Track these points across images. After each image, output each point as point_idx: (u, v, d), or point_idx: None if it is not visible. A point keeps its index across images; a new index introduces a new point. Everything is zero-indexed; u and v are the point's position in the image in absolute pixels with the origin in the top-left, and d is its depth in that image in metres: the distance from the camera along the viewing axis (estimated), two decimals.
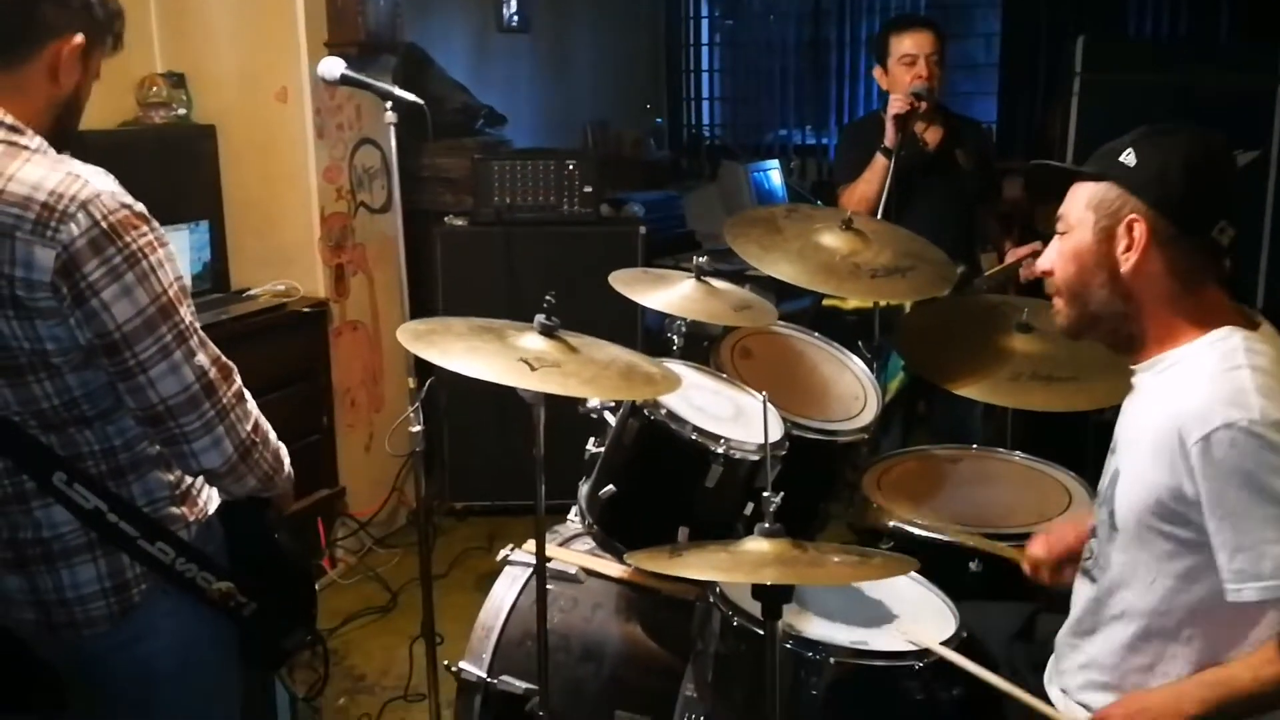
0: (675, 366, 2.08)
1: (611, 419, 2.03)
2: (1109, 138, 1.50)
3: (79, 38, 1.34)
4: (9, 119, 1.31)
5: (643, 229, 3.84)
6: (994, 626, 1.76)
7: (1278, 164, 3.78)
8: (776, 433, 1.94)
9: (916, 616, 1.73)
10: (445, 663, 2.17)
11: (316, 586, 1.70)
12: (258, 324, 3.13)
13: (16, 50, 1.31)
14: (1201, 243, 1.42)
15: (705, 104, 6.62)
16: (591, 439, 2.09)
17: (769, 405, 1.59)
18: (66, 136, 1.39)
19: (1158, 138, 1.44)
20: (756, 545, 1.41)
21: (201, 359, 1.36)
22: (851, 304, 3.03)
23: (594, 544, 2.13)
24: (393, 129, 2.29)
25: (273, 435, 1.48)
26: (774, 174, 5.30)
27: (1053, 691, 1.59)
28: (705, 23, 6.55)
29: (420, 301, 3.13)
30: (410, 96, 2.30)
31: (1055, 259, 1.51)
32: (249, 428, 1.41)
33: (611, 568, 2.11)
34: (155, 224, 1.34)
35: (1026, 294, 2.74)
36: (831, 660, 1.60)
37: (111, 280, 1.27)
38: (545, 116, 5.29)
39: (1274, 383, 1.35)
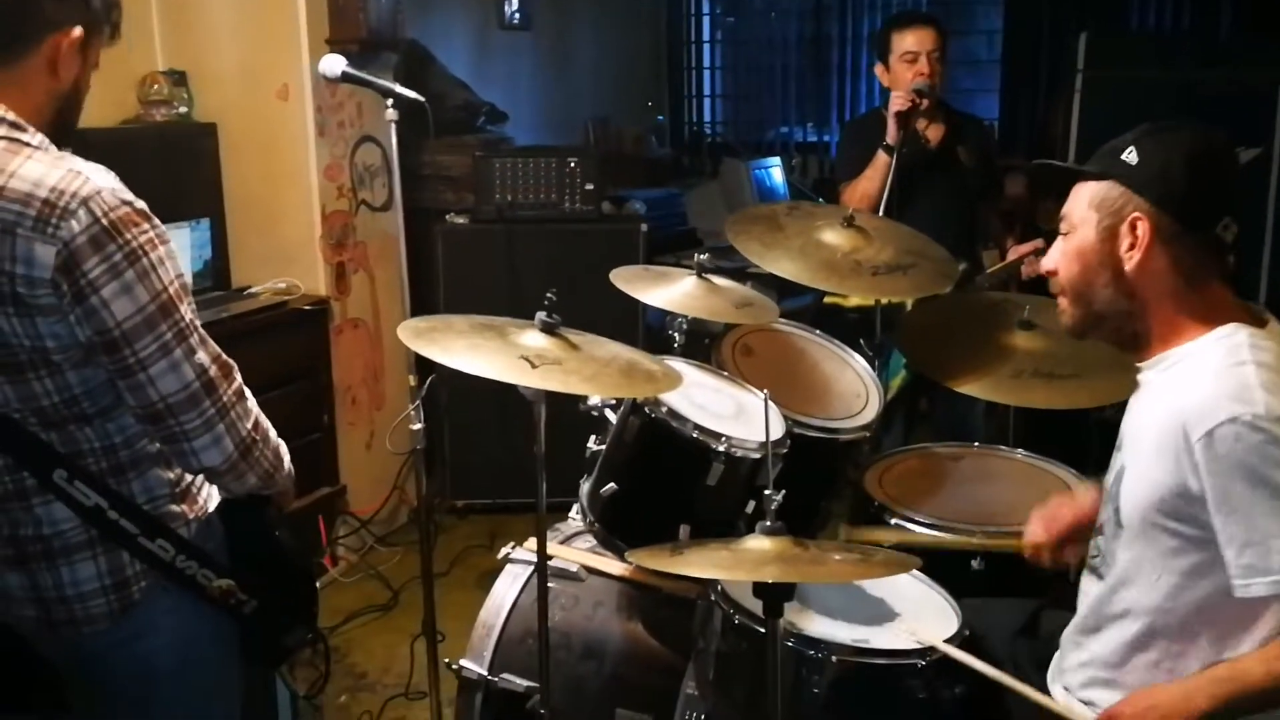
0: (676, 364, 2.08)
1: (613, 417, 2.02)
2: (1111, 134, 1.50)
3: (77, 30, 1.34)
4: (10, 115, 1.31)
5: (644, 226, 3.84)
6: (997, 623, 1.76)
7: None
8: (778, 431, 1.94)
9: (918, 614, 1.73)
10: (446, 660, 2.17)
11: (317, 584, 1.70)
12: (258, 322, 3.13)
13: (16, 45, 1.31)
14: (1205, 239, 1.42)
15: (707, 101, 6.61)
16: (593, 437, 2.09)
17: (770, 403, 1.58)
18: (68, 129, 1.39)
19: (1160, 135, 1.44)
20: (758, 543, 1.41)
21: (202, 357, 1.35)
22: (853, 301, 3.02)
23: (595, 542, 2.13)
24: (394, 126, 2.29)
25: (272, 433, 1.48)
26: (775, 171, 5.30)
27: (1055, 689, 1.58)
28: (706, 20, 6.54)
29: (421, 299, 3.13)
30: (411, 94, 2.30)
31: (1059, 259, 1.51)
32: (249, 425, 1.41)
33: (613, 566, 2.11)
34: (156, 221, 1.33)
35: (1028, 291, 2.74)
36: (833, 658, 1.60)
37: (112, 277, 1.27)
38: (546, 114, 5.28)
39: (1279, 378, 1.34)
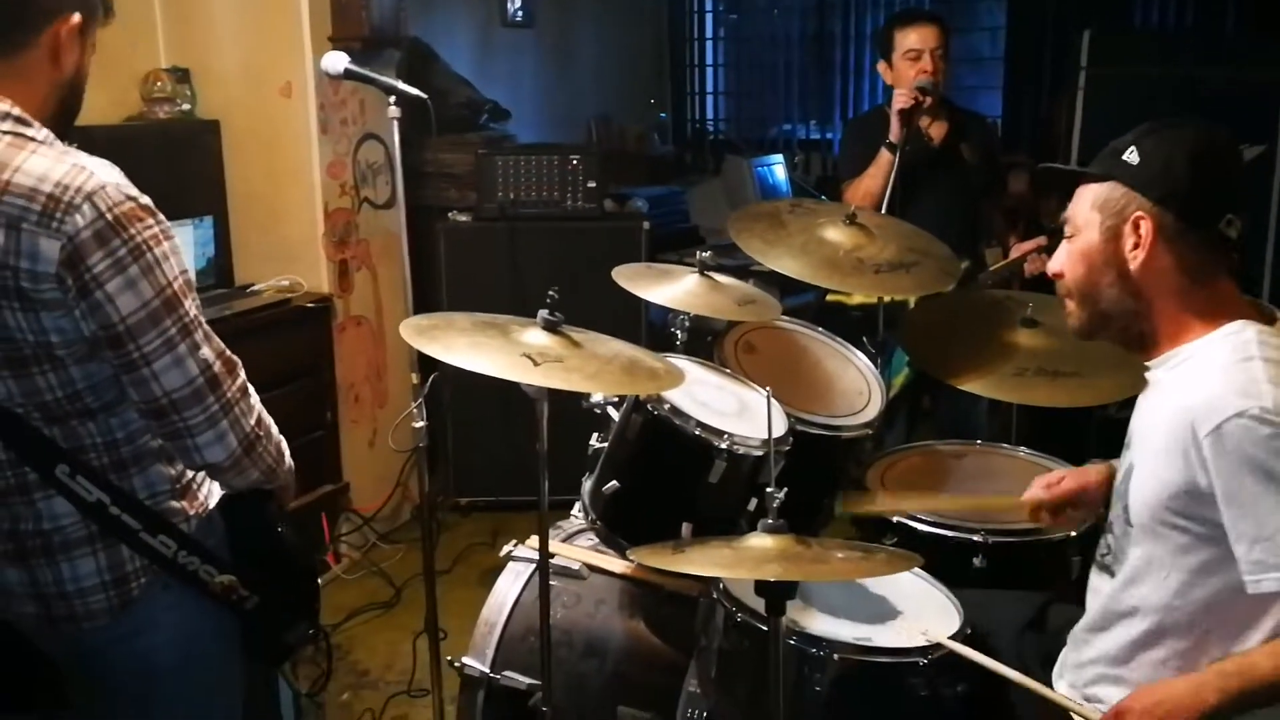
0: (679, 362, 2.08)
1: (615, 414, 2.02)
2: (1115, 132, 1.50)
3: (76, 17, 1.34)
4: (15, 110, 1.31)
5: (646, 224, 3.84)
6: (1004, 618, 1.76)
7: None
8: (780, 428, 1.94)
9: (920, 612, 1.73)
10: (449, 658, 2.18)
11: (319, 581, 1.70)
12: (262, 319, 3.13)
13: (16, 37, 1.31)
14: (1208, 236, 1.42)
15: (709, 98, 6.60)
16: (595, 434, 2.09)
17: (773, 400, 1.58)
18: (70, 119, 1.39)
19: (1161, 133, 1.44)
20: (760, 541, 1.41)
21: (206, 352, 1.35)
22: (856, 299, 3.02)
23: (597, 540, 2.13)
24: (396, 124, 2.29)
25: (275, 429, 1.48)
26: (778, 169, 5.29)
27: (1060, 685, 1.58)
28: (709, 17, 6.53)
29: (424, 297, 3.12)
30: (414, 91, 2.29)
31: (1065, 261, 1.52)
32: (252, 422, 1.41)
33: (615, 563, 2.11)
34: (160, 217, 1.33)
35: (1031, 289, 2.74)
36: (835, 656, 1.60)
37: (116, 272, 1.27)
38: (549, 111, 5.28)
39: None
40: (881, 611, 1.75)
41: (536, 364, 1.62)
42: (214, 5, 3.30)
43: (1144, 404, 1.52)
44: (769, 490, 1.43)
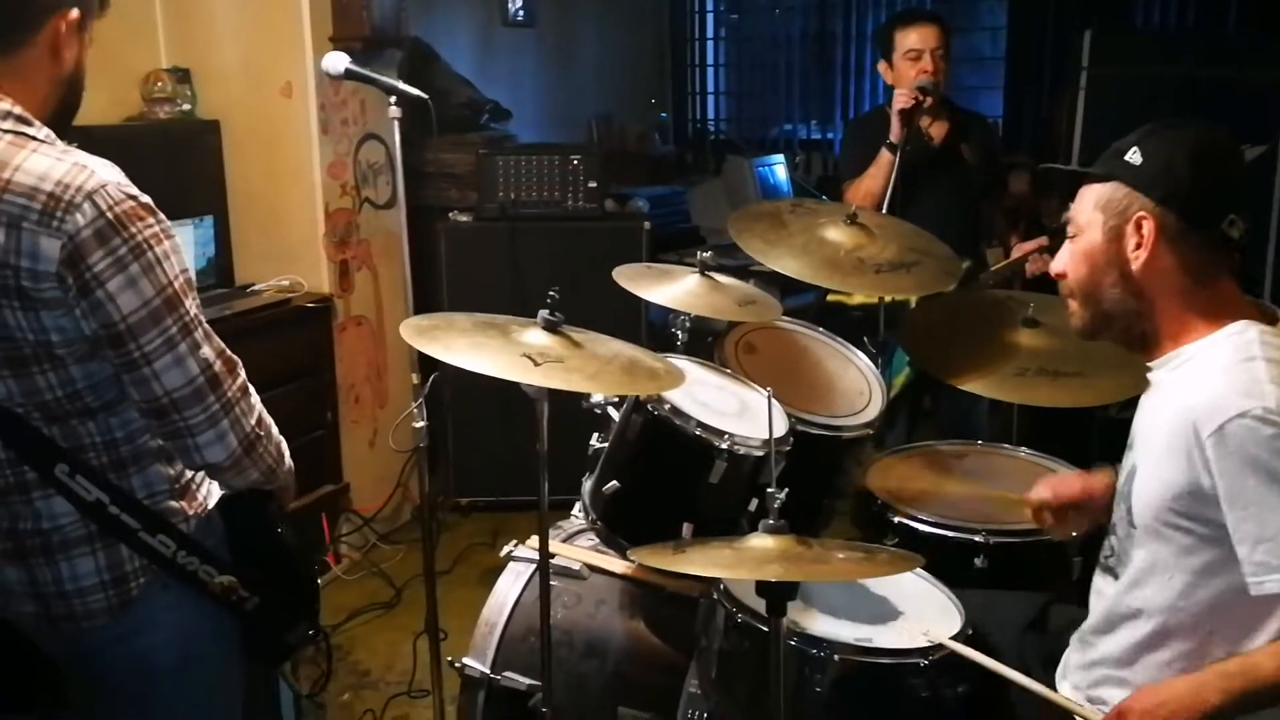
0: (679, 362, 2.07)
1: (615, 414, 2.02)
2: (1116, 132, 1.50)
3: (74, 12, 1.34)
4: (17, 109, 1.31)
5: (647, 224, 3.84)
6: (1005, 618, 1.76)
7: None
8: (781, 428, 1.94)
9: (922, 613, 1.73)
10: (449, 658, 2.17)
11: (320, 582, 1.70)
12: (262, 319, 3.13)
13: (15, 34, 1.31)
14: (1210, 236, 1.42)
15: (710, 98, 6.60)
16: (595, 434, 2.09)
17: (773, 401, 1.58)
18: (71, 115, 1.39)
19: (1163, 134, 1.44)
20: (761, 542, 1.41)
21: (206, 352, 1.35)
22: (857, 299, 3.02)
23: (598, 540, 2.13)
24: (397, 124, 2.29)
25: (275, 430, 1.48)
26: (779, 169, 5.29)
27: (1064, 687, 1.58)
28: (710, 17, 6.53)
29: (424, 297, 3.11)
30: (415, 91, 2.29)
31: (1067, 261, 1.52)
32: (253, 422, 1.41)
33: (615, 564, 2.11)
34: (161, 216, 1.33)
35: (1032, 289, 2.73)
36: (835, 657, 1.59)
37: (117, 271, 1.27)
38: (550, 111, 5.28)
39: None
40: (882, 612, 1.75)
41: (537, 364, 1.62)
42: (214, 5, 3.30)
43: (1146, 405, 1.52)
44: (770, 490, 1.43)
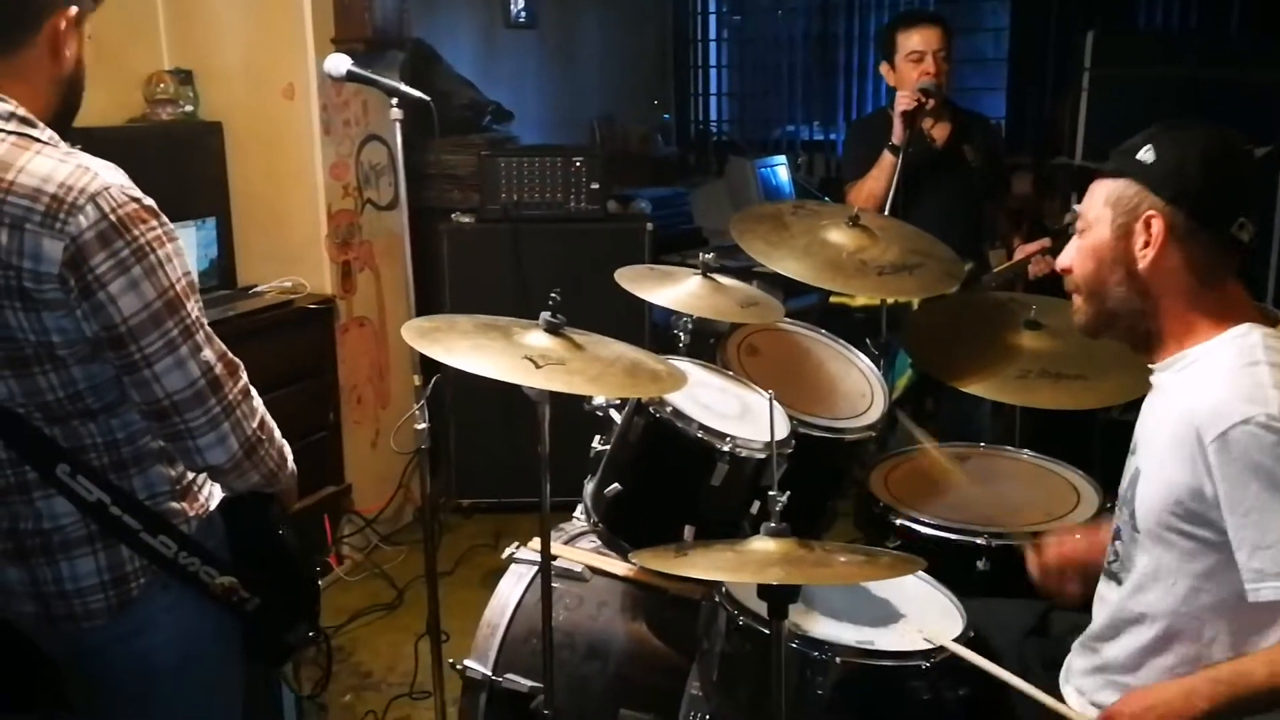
0: (681, 364, 2.08)
1: (617, 416, 2.02)
2: (1119, 132, 1.50)
3: (73, 9, 1.34)
4: (20, 110, 1.31)
5: (649, 225, 3.84)
6: (1006, 623, 1.75)
7: None
8: (783, 431, 1.93)
9: (923, 615, 1.73)
10: (450, 660, 2.17)
11: (321, 583, 1.70)
12: (264, 320, 3.13)
13: (16, 34, 1.31)
14: (1219, 238, 1.42)
15: (713, 99, 6.60)
16: (597, 436, 2.08)
17: (775, 403, 1.58)
18: (72, 115, 1.39)
19: (1176, 133, 1.44)
20: (762, 544, 1.40)
21: (208, 354, 1.35)
22: (859, 301, 3.02)
23: (599, 542, 2.13)
24: (399, 125, 2.29)
25: (277, 432, 1.48)
26: (781, 170, 5.29)
27: (1067, 691, 1.58)
28: (713, 18, 6.53)
29: (427, 298, 3.12)
30: (416, 93, 2.29)
31: (1074, 256, 1.51)
32: (254, 424, 1.41)
33: (617, 566, 2.11)
34: (164, 218, 1.33)
35: (1035, 291, 2.73)
36: (837, 660, 1.59)
37: (119, 273, 1.27)
38: (552, 112, 5.28)
39: None
40: (884, 614, 1.74)
41: (539, 366, 1.62)
42: (217, 6, 3.30)
43: (1149, 408, 1.52)
44: (771, 493, 1.42)
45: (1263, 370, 1.34)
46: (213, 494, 1.50)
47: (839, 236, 2.23)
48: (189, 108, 3.30)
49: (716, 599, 1.72)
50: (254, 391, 1.44)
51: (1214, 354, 1.41)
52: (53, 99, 1.35)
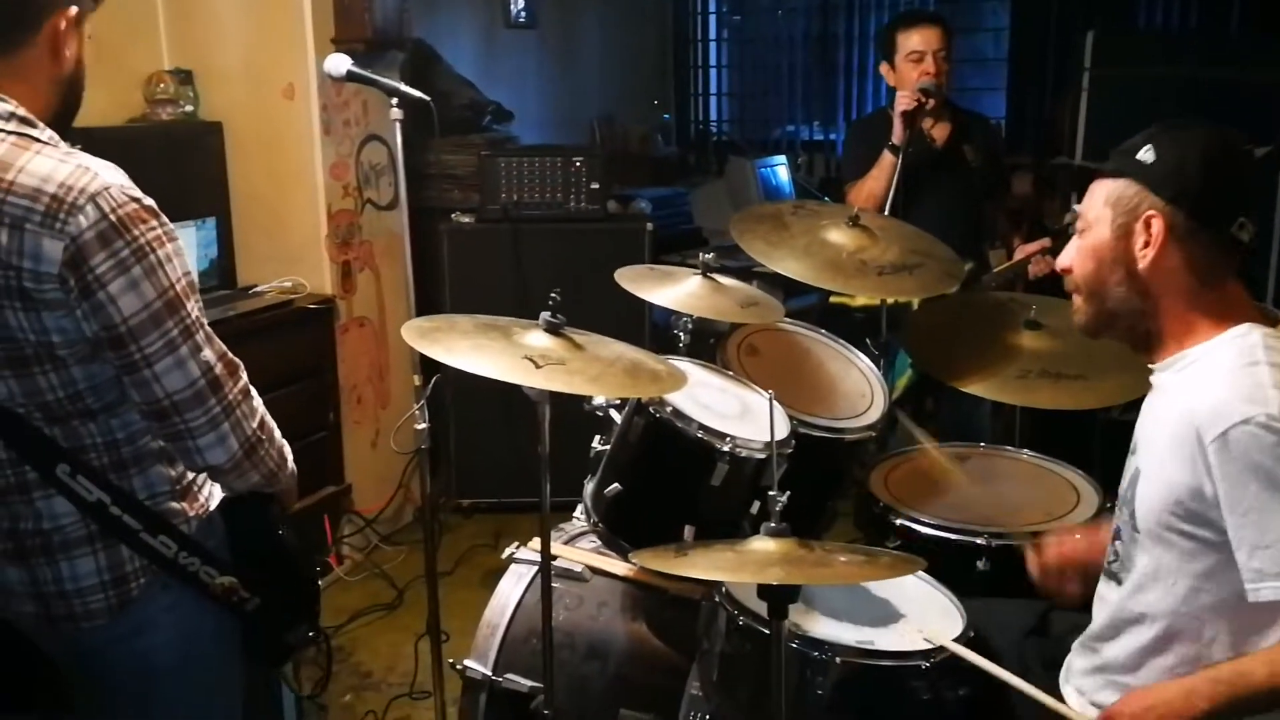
0: (681, 364, 2.08)
1: (617, 416, 2.02)
2: (1119, 132, 1.50)
3: (73, 9, 1.34)
4: (20, 110, 1.31)
5: (649, 225, 3.84)
6: (1006, 623, 1.75)
7: None
8: (783, 431, 1.93)
9: (923, 615, 1.73)
10: (451, 660, 2.17)
11: (321, 583, 1.70)
12: (264, 320, 3.13)
13: (17, 36, 1.31)
14: (1219, 238, 1.42)
15: (713, 99, 6.60)
16: (597, 436, 2.09)
17: (775, 403, 1.58)
18: (72, 115, 1.40)
19: (1176, 133, 1.44)
20: (762, 544, 1.40)
21: (208, 354, 1.35)
22: (859, 301, 3.02)
23: (599, 542, 2.13)
24: (399, 125, 2.29)
25: (277, 433, 1.48)
26: (781, 170, 5.29)
27: (1068, 691, 1.58)
28: (713, 18, 6.53)
29: (427, 298, 3.12)
30: (416, 93, 2.29)
31: (1074, 256, 1.51)
32: (254, 424, 1.41)
33: (617, 566, 2.11)
34: (164, 218, 1.34)
35: (1035, 291, 2.73)
36: (837, 660, 1.59)
37: (119, 273, 1.27)
38: (552, 112, 5.28)
39: None
40: (884, 614, 1.74)
41: (539, 366, 1.62)
42: (217, 7, 3.30)
43: (1149, 408, 1.52)
44: (771, 493, 1.42)
45: (1263, 370, 1.34)
46: (213, 494, 1.50)
47: (839, 236, 2.23)
48: (189, 108, 3.30)
49: (716, 599, 1.72)
50: (254, 391, 1.44)
51: (1214, 354, 1.41)
52: (53, 99, 1.35)
